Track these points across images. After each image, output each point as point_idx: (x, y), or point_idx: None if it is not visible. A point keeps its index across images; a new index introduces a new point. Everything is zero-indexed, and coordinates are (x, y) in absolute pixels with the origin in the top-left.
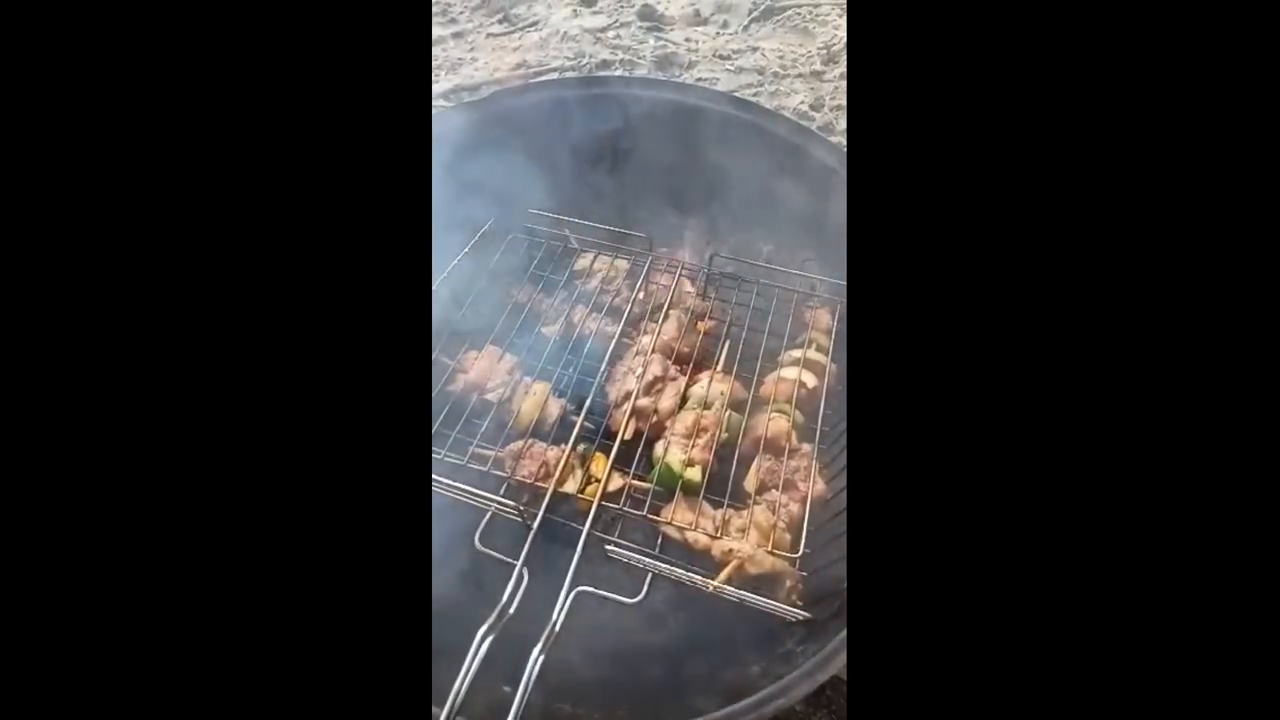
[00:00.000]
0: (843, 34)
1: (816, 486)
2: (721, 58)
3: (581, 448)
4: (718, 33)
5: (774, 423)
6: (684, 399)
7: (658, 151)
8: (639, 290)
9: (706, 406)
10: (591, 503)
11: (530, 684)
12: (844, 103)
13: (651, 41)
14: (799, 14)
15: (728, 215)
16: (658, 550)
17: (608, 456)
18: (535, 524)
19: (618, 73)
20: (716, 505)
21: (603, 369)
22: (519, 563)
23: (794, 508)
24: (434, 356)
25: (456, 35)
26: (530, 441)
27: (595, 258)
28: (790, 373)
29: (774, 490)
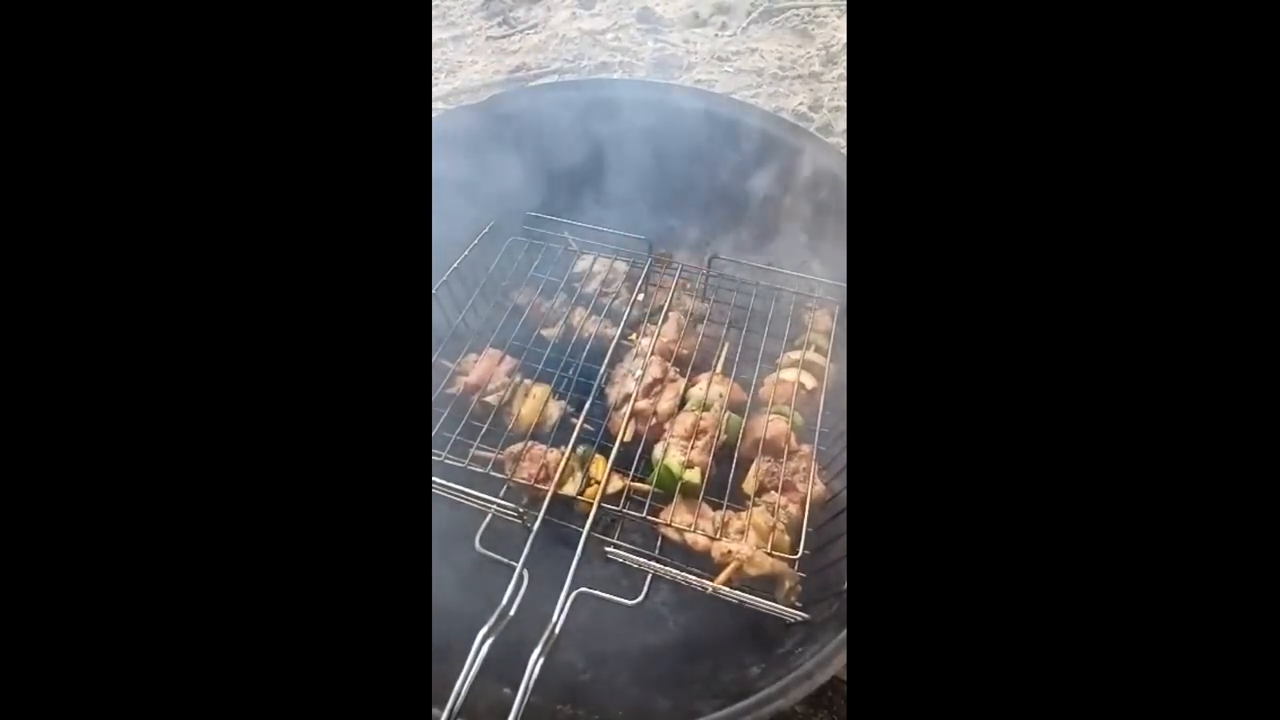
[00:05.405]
0: (841, 35)
1: (815, 488)
2: (720, 59)
3: (581, 450)
4: (716, 34)
5: (773, 424)
6: (683, 401)
7: (657, 154)
8: (638, 292)
9: (706, 408)
10: (591, 504)
11: (530, 685)
12: (843, 104)
13: (650, 43)
14: (797, 15)
15: (727, 217)
16: (657, 552)
17: (607, 458)
18: (535, 526)
19: (617, 75)
20: (716, 507)
21: (602, 371)
22: (519, 565)
23: (793, 509)
24: (434, 359)
25: (456, 38)
26: (530, 444)
27: (595, 260)
28: (789, 374)
29: (773, 491)
